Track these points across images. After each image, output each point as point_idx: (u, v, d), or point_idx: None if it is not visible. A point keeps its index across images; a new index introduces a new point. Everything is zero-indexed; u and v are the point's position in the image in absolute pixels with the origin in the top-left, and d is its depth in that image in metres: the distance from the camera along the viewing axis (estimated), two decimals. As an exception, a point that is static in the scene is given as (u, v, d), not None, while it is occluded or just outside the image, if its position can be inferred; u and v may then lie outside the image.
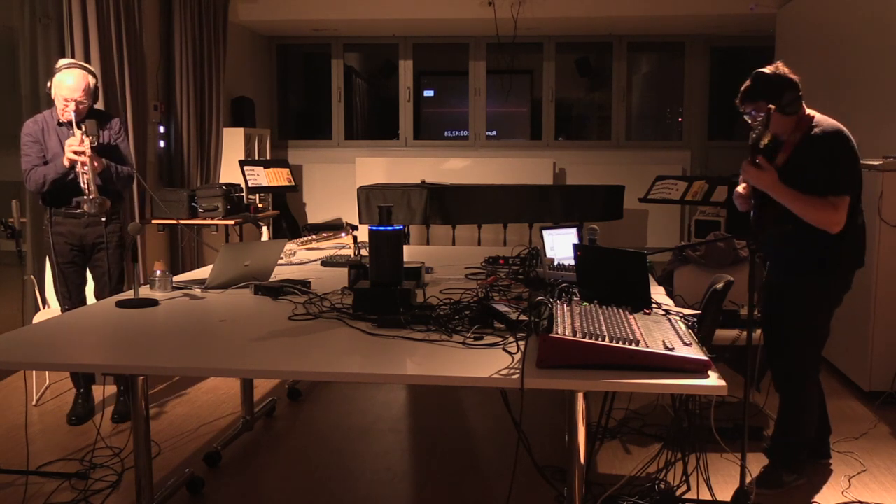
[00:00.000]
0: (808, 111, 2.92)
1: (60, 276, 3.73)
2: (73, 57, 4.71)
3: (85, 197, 3.47)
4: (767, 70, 2.90)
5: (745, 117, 2.96)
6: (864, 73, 5.06)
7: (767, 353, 3.18)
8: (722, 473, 3.15)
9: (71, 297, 3.74)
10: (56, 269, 3.74)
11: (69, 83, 3.52)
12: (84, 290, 3.85)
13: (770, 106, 2.85)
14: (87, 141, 3.47)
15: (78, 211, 3.66)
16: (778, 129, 2.93)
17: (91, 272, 3.85)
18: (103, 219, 3.66)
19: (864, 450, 3.44)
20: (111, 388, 4.08)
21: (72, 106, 3.51)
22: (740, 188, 3.12)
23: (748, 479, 2.69)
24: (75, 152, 3.46)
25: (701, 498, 2.89)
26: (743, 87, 2.95)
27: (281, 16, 7.64)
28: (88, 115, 3.62)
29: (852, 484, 3.12)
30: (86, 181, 3.48)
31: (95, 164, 3.50)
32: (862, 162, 2.95)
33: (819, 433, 3.25)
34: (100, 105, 3.83)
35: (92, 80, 3.61)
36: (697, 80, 8.72)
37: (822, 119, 2.91)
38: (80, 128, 3.49)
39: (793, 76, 2.89)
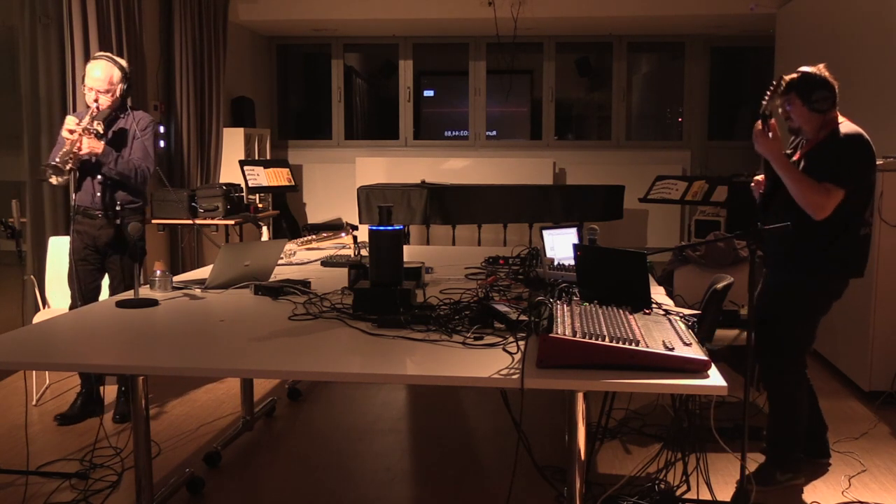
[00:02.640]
0: (840, 118, 3.00)
1: (74, 274, 3.75)
2: (73, 57, 4.73)
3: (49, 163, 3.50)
4: (810, 69, 3.00)
5: (779, 110, 3.02)
6: (864, 73, 5.06)
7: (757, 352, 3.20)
8: (722, 473, 3.16)
9: (83, 296, 3.74)
10: (72, 265, 3.76)
11: (95, 74, 3.65)
12: (98, 293, 3.86)
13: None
14: (84, 122, 3.52)
15: (97, 212, 3.72)
16: (805, 126, 3.01)
17: (108, 273, 3.88)
18: (117, 221, 3.68)
19: (864, 450, 3.44)
20: (111, 389, 4.08)
21: (92, 95, 3.62)
22: (759, 177, 3.21)
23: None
24: (70, 130, 3.51)
25: (701, 498, 2.89)
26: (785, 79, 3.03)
27: (281, 16, 7.64)
28: (121, 108, 3.73)
29: (852, 484, 3.12)
30: (62, 152, 3.50)
31: (87, 145, 3.52)
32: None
33: (815, 432, 3.26)
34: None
35: (118, 73, 3.70)
36: (697, 80, 8.72)
37: (848, 124, 2.98)
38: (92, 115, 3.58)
39: (831, 79, 2.97)
